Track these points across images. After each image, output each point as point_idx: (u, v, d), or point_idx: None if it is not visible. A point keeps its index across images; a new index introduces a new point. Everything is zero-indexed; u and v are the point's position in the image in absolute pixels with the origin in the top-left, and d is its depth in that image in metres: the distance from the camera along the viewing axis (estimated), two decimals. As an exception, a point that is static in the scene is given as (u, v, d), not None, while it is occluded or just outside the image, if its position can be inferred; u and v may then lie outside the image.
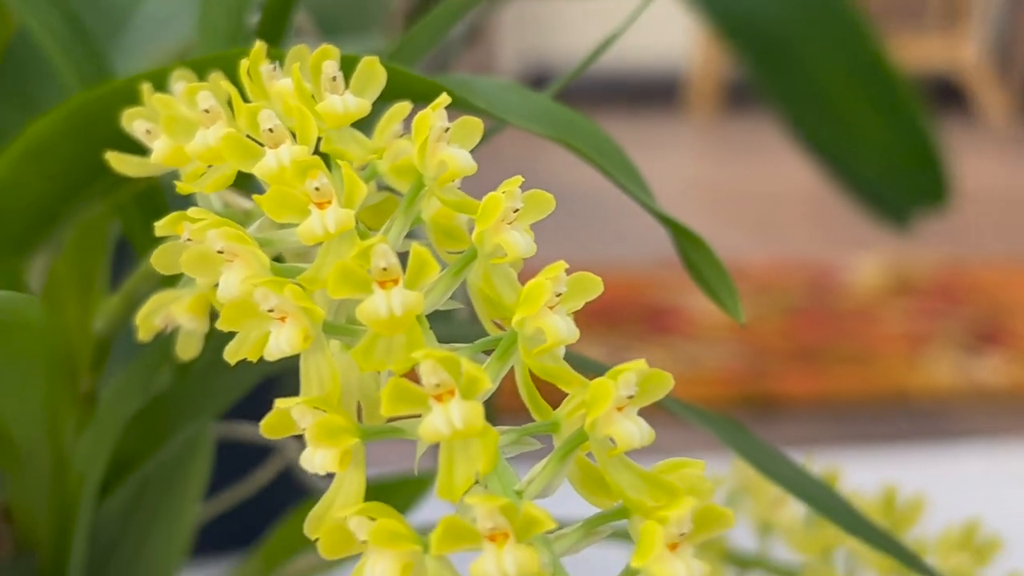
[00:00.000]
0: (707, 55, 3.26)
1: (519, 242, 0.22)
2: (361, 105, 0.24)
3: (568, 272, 0.22)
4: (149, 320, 0.27)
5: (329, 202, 0.22)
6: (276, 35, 0.32)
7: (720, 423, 0.32)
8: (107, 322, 0.33)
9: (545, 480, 0.21)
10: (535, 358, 0.21)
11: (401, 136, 0.25)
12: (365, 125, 0.25)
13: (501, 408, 0.29)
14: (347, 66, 0.24)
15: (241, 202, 0.28)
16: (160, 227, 0.24)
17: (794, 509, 0.44)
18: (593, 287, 0.22)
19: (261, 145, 0.23)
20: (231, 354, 0.23)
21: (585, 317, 0.21)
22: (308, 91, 0.24)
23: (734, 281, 0.28)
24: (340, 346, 0.23)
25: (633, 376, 0.20)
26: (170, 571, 0.36)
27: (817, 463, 0.42)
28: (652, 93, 3.36)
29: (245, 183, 0.25)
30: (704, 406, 0.32)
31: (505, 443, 0.21)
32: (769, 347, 1.24)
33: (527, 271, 0.22)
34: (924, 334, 1.29)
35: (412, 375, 0.20)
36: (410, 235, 0.24)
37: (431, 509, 0.27)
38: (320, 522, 0.21)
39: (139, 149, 0.27)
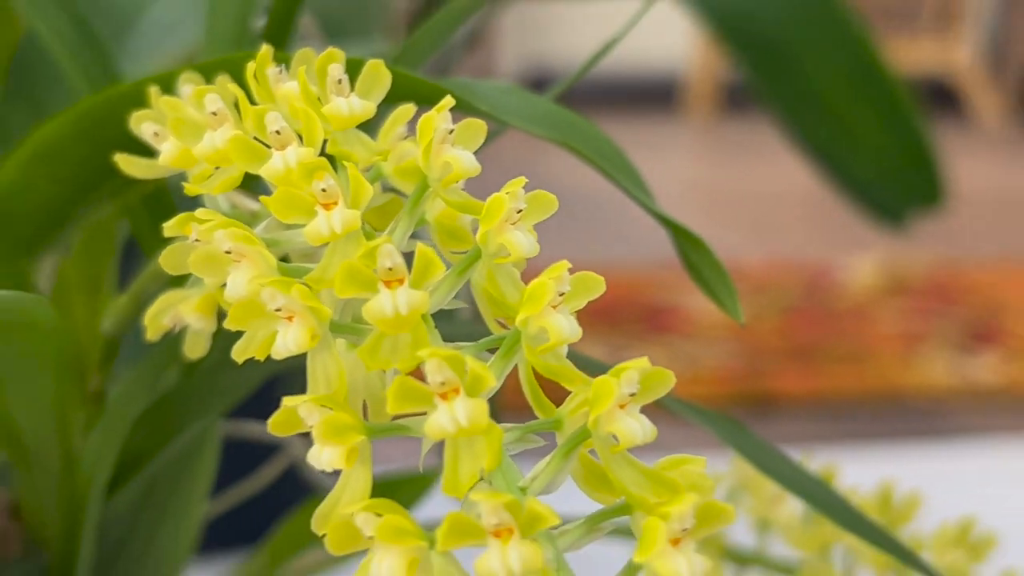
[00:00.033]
0: (705, 58, 3.26)
1: (523, 242, 0.22)
2: (366, 107, 0.24)
3: (570, 272, 0.22)
4: (157, 320, 0.27)
5: (335, 203, 0.22)
6: (281, 39, 0.32)
7: (719, 421, 0.32)
8: (115, 322, 0.33)
9: (549, 477, 0.21)
10: (538, 356, 0.21)
11: (406, 138, 0.25)
12: (370, 127, 0.25)
13: (505, 406, 0.29)
14: (352, 69, 0.24)
15: (248, 203, 0.28)
16: (168, 228, 0.24)
17: (792, 506, 0.44)
18: (595, 287, 0.22)
19: (268, 147, 0.23)
20: (239, 353, 0.23)
21: (586, 316, 0.21)
22: (314, 94, 0.24)
23: (733, 281, 0.28)
24: (346, 345, 0.23)
25: (635, 374, 0.20)
26: (178, 568, 0.36)
27: (814, 461, 0.42)
28: (651, 95, 3.36)
29: (252, 185, 0.25)
30: (703, 404, 0.33)
31: (509, 440, 0.21)
32: (766, 346, 1.24)
33: (530, 271, 0.22)
34: (919, 333, 1.29)
35: (417, 373, 0.20)
36: (415, 235, 0.24)
37: (436, 505, 0.27)
38: (327, 518, 0.21)
39: (147, 151, 0.27)
